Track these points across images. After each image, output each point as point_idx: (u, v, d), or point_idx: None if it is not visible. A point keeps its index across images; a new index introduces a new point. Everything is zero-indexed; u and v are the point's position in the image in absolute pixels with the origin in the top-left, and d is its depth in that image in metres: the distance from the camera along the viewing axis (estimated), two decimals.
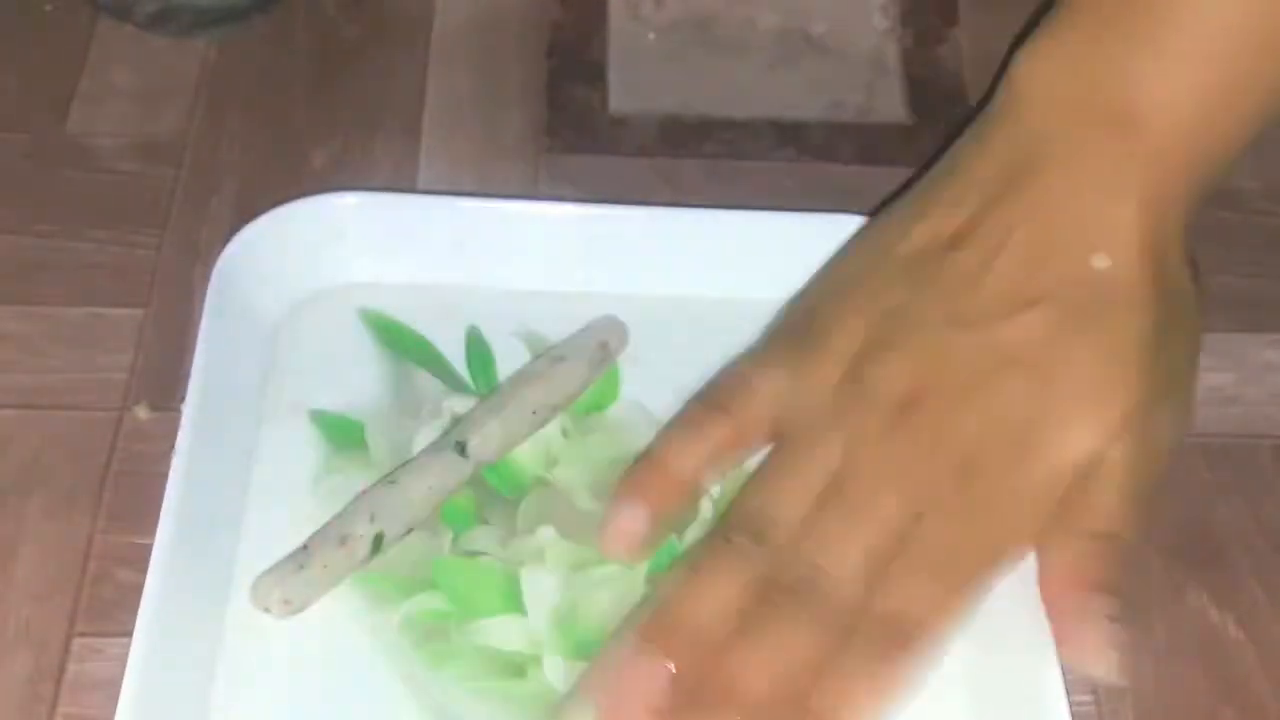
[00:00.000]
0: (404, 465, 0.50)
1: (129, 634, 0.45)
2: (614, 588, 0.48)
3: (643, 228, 0.56)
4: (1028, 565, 0.46)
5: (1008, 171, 0.46)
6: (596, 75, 0.65)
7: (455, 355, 0.55)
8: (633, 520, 0.47)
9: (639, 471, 0.49)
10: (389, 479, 0.50)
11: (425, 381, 0.54)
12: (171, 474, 0.48)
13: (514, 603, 0.48)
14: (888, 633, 0.43)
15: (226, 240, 0.55)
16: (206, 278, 0.54)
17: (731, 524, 0.46)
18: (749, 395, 0.48)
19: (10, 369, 0.55)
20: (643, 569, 0.48)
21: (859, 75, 0.66)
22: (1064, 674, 0.45)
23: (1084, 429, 0.44)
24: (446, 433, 0.52)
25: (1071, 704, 0.44)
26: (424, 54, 0.66)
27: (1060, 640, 0.44)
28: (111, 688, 0.44)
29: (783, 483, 0.46)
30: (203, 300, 0.53)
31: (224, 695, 0.46)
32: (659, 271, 0.56)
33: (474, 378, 0.54)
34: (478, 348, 0.55)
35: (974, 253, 0.45)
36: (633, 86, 0.65)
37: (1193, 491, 0.54)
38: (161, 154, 0.62)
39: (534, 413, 0.52)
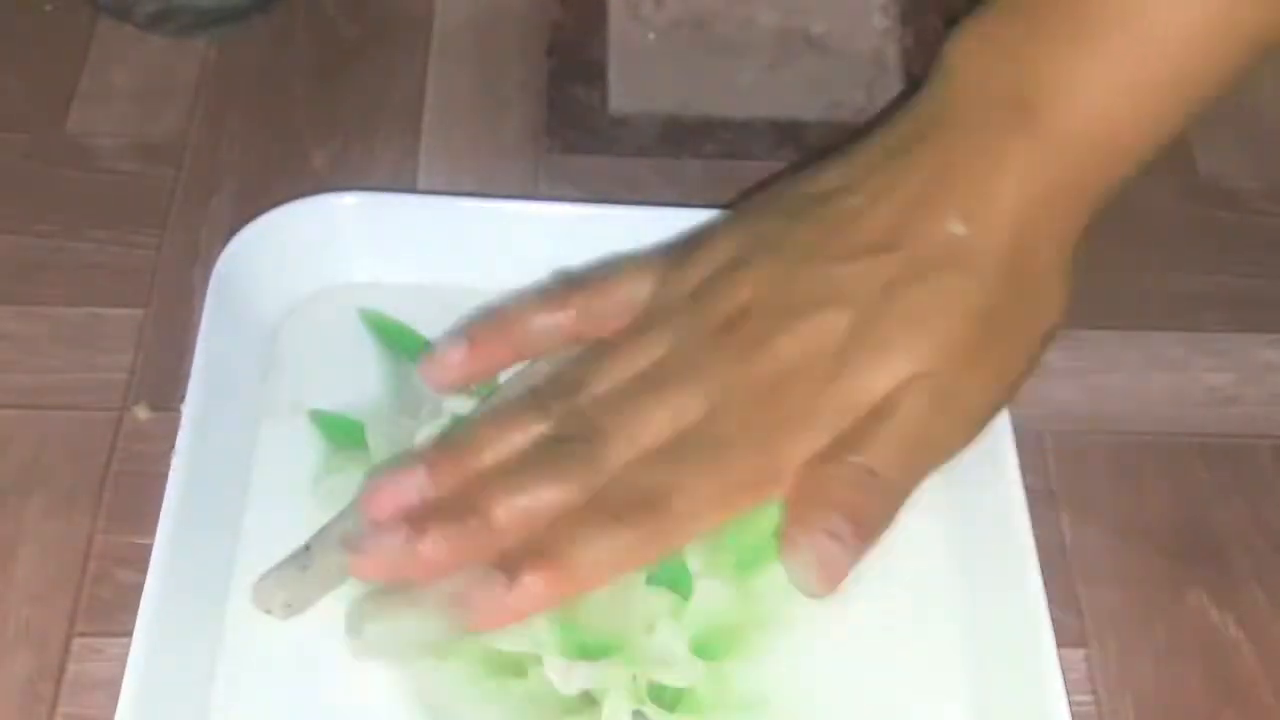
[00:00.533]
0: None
1: (129, 634, 0.45)
2: (613, 588, 0.48)
3: (643, 228, 0.56)
4: (1027, 567, 0.47)
5: (912, 133, 0.48)
6: (596, 75, 0.65)
7: None
8: (455, 355, 0.51)
9: (482, 319, 0.52)
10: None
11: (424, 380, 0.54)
12: (171, 474, 0.48)
13: None
14: (633, 501, 0.45)
15: (226, 240, 0.55)
16: (206, 278, 0.54)
17: (546, 382, 0.49)
18: (610, 286, 0.51)
19: (10, 369, 0.55)
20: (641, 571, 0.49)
21: (859, 75, 0.66)
22: (1064, 676, 0.45)
23: (884, 370, 0.45)
24: (445, 433, 0.51)
25: (1071, 704, 0.45)
26: (424, 54, 0.66)
27: (783, 546, 0.45)
28: (111, 687, 0.44)
29: (604, 359, 0.48)
30: (203, 300, 0.53)
31: (224, 695, 0.46)
32: None
33: None
34: None
35: (854, 198, 0.48)
36: (633, 86, 0.65)
37: (1193, 491, 0.54)
38: (161, 154, 0.62)
39: None
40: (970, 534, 0.50)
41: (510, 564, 0.44)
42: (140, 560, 0.47)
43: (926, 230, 0.46)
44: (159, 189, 0.60)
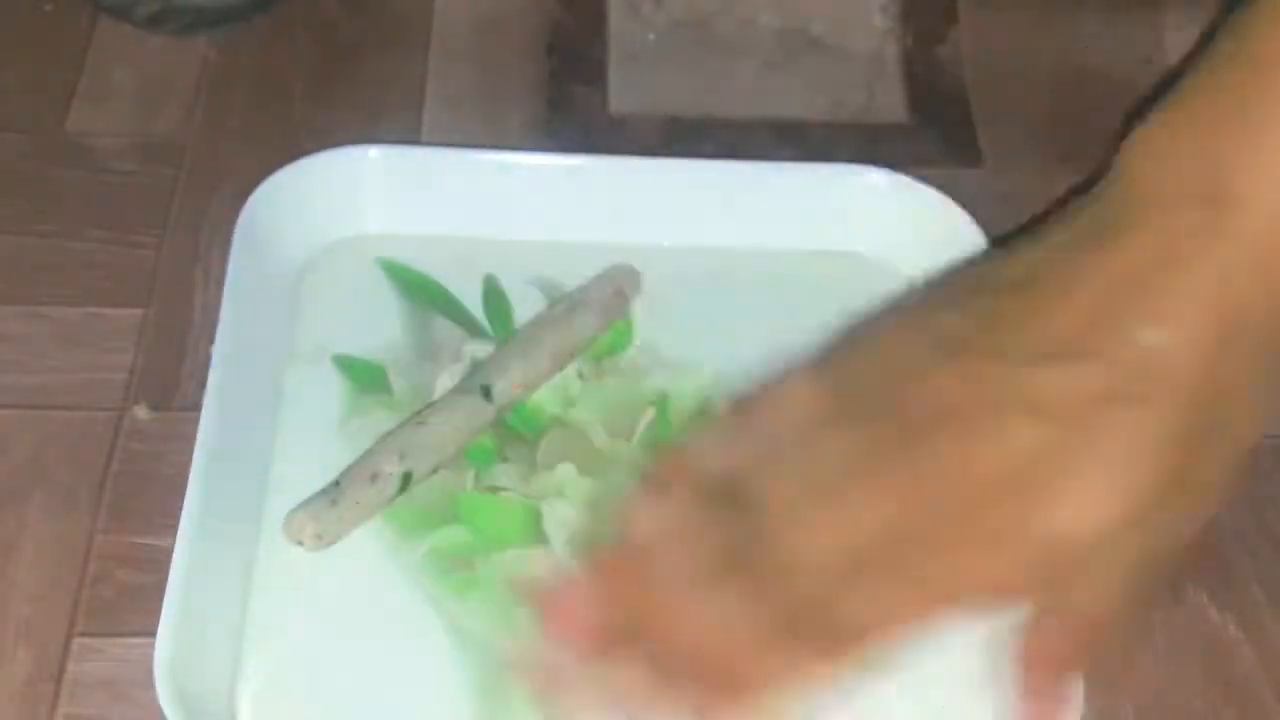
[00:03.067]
0: (431, 406, 0.52)
1: (129, 634, 0.45)
2: None
3: (656, 179, 0.57)
4: None
5: (1093, 231, 0.45)
6: (596, 75, 0.65)
7: (473, 303, 0.56)
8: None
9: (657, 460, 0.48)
10: (417, 419, 0.51)
11: (444, 327, 0.55)
12: (202, 416, 0.49)
13: (535, 535, 0.50)
14: (835, 633, 0.43)
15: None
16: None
17: (714, 474, 0.45)
18: (780, 396, 0.47)
19: (10, 369, 0.55)
20: None
21: (859, 75, 0.66)
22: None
23: (1091, 499, 0.42)
24: (470, 375, 0.53)
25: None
26: (424, 54, 0.66)
27: (1018, 699, 0.44)
28: (112, 687, 0.44)
29: (781, 458, 0.45)
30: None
31: (258, 624, 0.48)
32: (672, 222, 0.58)
33: (492, 323, 0.56)
34: (495, 295, 0.56)
35: (1036, 295, 0.44)
36: (633, 86, 0.65)
37: None
38: (161, 154, 0.62)
39: (553, 357, 0.54)
40: None
41: (671, 667, 0.43)
42: (140, 560, 0.47)
43: (1122, 339, 0.43)
44: (159, 189, 0.60)
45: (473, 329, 0.56)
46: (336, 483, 0.50)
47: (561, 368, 0.54)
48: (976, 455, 0.43)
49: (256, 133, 0.63)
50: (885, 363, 0.46)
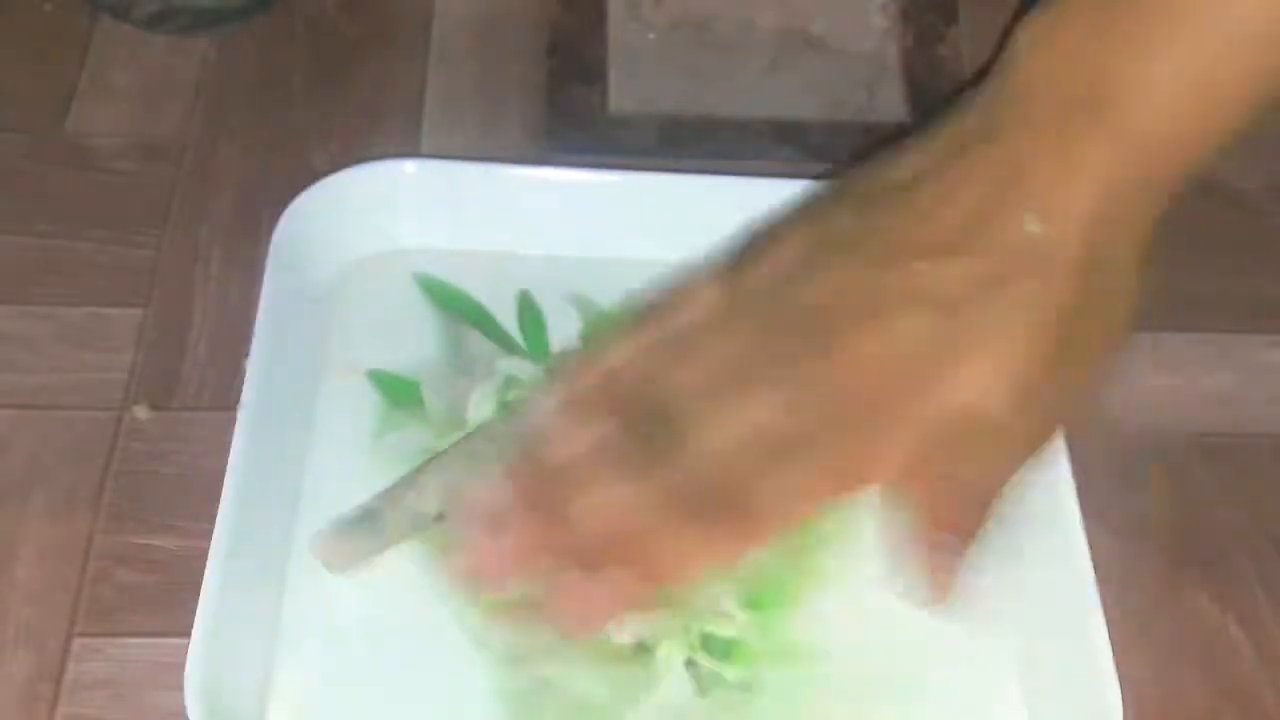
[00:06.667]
0: (479, 432, 0.51)
1: (129, 634, 0.45)
2: None
3: (697, 195, 0.57)
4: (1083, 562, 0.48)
5: (981, 130, 0.48)
6: (596, 75, 0.65)
7: (508, 319, 0.56)
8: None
9: (568, 354, 0.50)
10: (466, 448, 0.50)
11: (479, 343, 0.55)
12: (237, 429, 0.49)
13: None
14: (713, 500, 0.45)
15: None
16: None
17: (619, 377, 0.48)
18: (683, 295, 0.50)
19: (10, 369, 0.55)
20: None
21: (859, 75, 0.66)
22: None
23: (977, 378, 0.45)
24: (515, 404, 0.52)
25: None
26: (424, 54, 0.66)
27: (904, 565, 0.45)
28: (112, 687, 0.44)
29: (679, 355, 0.47)
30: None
31: (287, 644, 0.48)
32: (707, 238, 0.57)
33: (527, 340, 0.55)
34: (530, 311, 0.56)
35: (924, 194, 0.47)
36: (633, 86, 0.65)
37: (1193, 491, 0.54)
38: (161, 154, 0.62)
39: None
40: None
41: (591, 562, 0.44)
42: (140, 560, 0.47)
43: (1003, 230, 0.46)
44: (159, 189, 0.60)
45: (508, 345, 0.55)
46: (371, 510, 0.49)
47: None
48: (866, 345, 0.45)
49: (256, 133, 0.63)
50: (780, 265, 0.48)
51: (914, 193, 0.48)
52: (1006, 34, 0.49)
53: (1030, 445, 0.46)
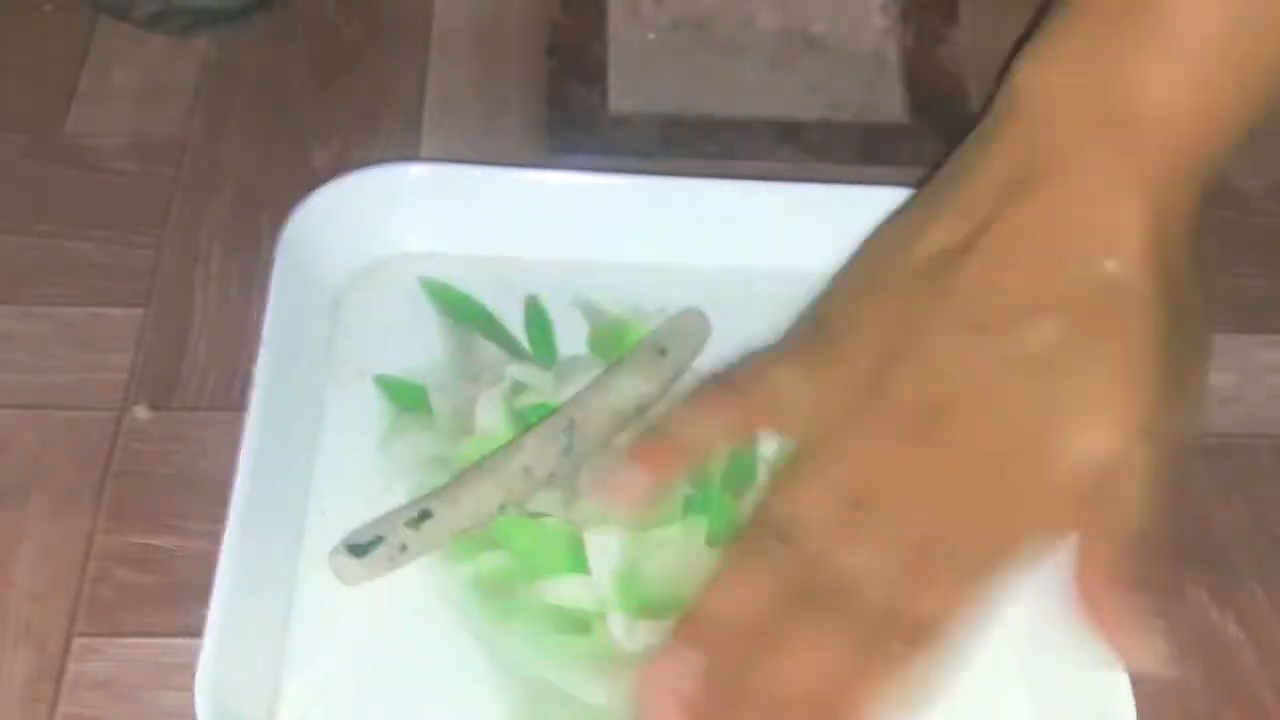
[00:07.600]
0: (516, 447, 0.50)
1: (129, 634, 0.45)
2: (674, 548, 0.49)
3: (704, 199, 0.57)
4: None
5: (1015, 176, 0.47)
6: (596, 75, 0.65)
7: (515, 323, 0.56)
8: (631, 482, 0.48)
9: (646, 438, 0.50)
10: (489, 469, 0.50)
11: (485, 348, 0.55)
12: (245, 434, 0.49)
13: (578, 562, 0.49)
14: (914, 637, 0.44)
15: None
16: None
17: (758, 525, 0.46)
18: (762, 382, 0.49)
19: (10, 369, 0.55)
20: (702, 531, 0.49)
21: (859, 75, 0.66)
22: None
23: (1102, 431, 0.44)
24: (553, 421, 0.51)
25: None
26: (424, 54, 0.66)
27: (1109, 638, 0.45)
28: (112, 687, 0.44)
29: (808, 487, 0.46)
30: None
31: (297, 649, 0.47)
32: (720, 242, 0.57)
33: (533, 345, 0.55)
34: (537, 316, 0.56)
35: (986, 258, 0.46)
36: (633, 86, 0.65)
37: (1193, 491, 0.54)
38: (161, 154, 0.62)
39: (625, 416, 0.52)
40: None
41: None
42: (140, 560, 0.47)
43: (1078, 277, 0.45)
44: (159, 189, 0.60)
45: (514, 351, 0.55)
46: (381, 533, 0.48)
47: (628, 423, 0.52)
48: (979, 431, 0.45)
49: (256, 133, 0.63)
50: (855, 359, 0.47)
51: (973, 256, 0.46)
52: (1011, 54, 0.48)
53: (1163, 472, 0.45)
